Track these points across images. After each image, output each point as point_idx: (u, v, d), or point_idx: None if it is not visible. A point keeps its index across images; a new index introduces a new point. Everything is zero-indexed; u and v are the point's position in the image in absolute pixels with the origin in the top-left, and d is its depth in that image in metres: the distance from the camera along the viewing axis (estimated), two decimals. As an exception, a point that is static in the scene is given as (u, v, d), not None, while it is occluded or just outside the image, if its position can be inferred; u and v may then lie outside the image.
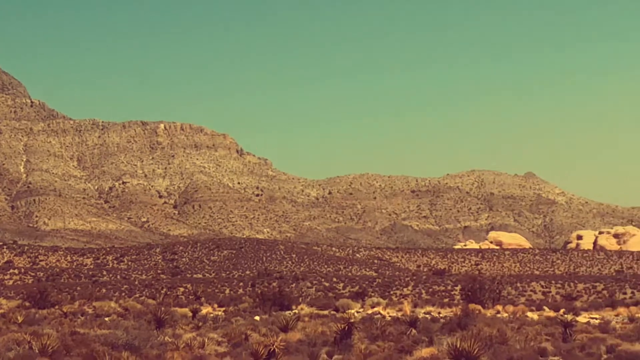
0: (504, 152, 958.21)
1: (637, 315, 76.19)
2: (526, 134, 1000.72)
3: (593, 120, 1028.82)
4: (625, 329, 58.07)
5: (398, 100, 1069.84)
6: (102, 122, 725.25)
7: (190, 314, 73.13)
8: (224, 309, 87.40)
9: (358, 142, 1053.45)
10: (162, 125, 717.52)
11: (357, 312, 76.31)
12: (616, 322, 68.27)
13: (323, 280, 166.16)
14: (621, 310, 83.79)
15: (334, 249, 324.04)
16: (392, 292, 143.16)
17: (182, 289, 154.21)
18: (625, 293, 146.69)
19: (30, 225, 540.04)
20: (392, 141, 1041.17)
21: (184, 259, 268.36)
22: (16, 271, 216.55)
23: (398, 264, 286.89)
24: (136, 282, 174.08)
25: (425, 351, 41.23)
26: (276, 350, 41.07)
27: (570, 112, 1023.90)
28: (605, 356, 41.67)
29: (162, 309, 67.33)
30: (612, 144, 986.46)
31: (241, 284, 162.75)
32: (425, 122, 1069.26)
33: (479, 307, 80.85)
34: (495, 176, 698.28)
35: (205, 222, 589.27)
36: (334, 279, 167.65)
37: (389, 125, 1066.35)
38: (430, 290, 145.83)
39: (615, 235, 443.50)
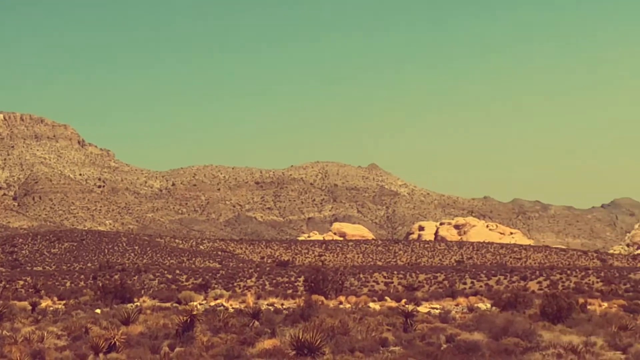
0: (348, 144, 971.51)
1: (476, 305, 78.19)
2: (370, 126, 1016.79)
3: (432, 112, 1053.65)
4: (465, 319, 59.32)
5: (240, 90, 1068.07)
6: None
7: (30, 308, 71.02)
8: (64, 302, 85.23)
9: (202, 134, 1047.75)
10: (1, 116, 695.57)
11: (200, 304, 75.52)
12: (456, 312, 69.74)
13: (166, 272, 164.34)
14: (461, 300, 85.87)
15: (177, 240, 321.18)
16: (235, 284, 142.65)
17: (21, 282, 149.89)
18: (465, 283, 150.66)
19: None
20: (236, 133, 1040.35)
21: (23, 252, 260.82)
22: None
23: (242, 256, 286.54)
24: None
25: (267, 343, 40.97)
26: (117, 343, 40.15)
27: (409, 104, 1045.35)
28: (444, 345, 42.30)
29: (0, 302, 65.10)
30: (452, 136, 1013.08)
31: (82, 276, 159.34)
32: (269, 113, 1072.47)
33: (322, 298, 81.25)
34: (339, 168, 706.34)
35: (46, 214, 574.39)
36: (177, 271, 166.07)
37: (232, 116, 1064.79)
38: (274, 281, 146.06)
39: (456, 226, 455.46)
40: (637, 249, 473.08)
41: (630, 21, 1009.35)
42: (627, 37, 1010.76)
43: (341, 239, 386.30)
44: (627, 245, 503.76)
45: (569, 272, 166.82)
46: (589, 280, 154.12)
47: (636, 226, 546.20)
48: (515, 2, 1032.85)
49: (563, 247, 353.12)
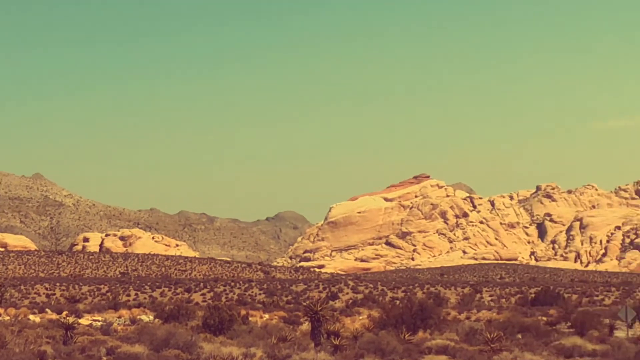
0: (11, 152, 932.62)
1: (138, 316, 77.67)
2: (34, 134, 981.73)
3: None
4: (127, 331, 58.74)
5: None
6: None
7: None
8: None
9: None
10: None
11: None
12: (118, 324, 68.97)
13: None
14: (124, 312, 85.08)
15: None
16: None
17: None
18: (129, 295, 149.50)
19: None
20: None
21: None
22: None
23: None
24: None
25: None
26: None
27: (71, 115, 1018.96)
28: (105, 358, 41.61)
29: None
30: (119, 149, 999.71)
31: None
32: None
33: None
34: (2, 177, 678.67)
35: None
36: None
37: None
38: None
39: (122, 238, 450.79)
40: (299, 261, 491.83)
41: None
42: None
43: (3, 249, 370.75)
44: (290, 258, 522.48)
45: (232, 284, 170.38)
46: (252, 292, 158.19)
47: (299, 239, 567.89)
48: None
49: (228, 259, 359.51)
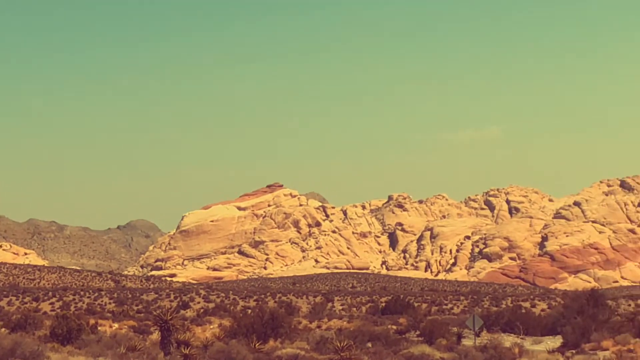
0: None
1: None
2: None
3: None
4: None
5: None
6: None
7: None
8: None
9: None
10: None
11: None
12: (-40, 334, 66.41)
13: None
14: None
15: None
16: None
17: None
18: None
19: None
20: None
21: None
22: None
23: None
24: None
25: None
26: None
27: None
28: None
29: None
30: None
31: None
32: None
33: None
34: None
35: None
36: None
37: None
38: None
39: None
40: (151, 270, 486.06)
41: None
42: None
43: None
44: (142, 267, 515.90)
45: (82, 293, 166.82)
46: (102, 301, 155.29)
47: (151, 247, 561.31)
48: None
49: (78, 268, 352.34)
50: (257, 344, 52.90)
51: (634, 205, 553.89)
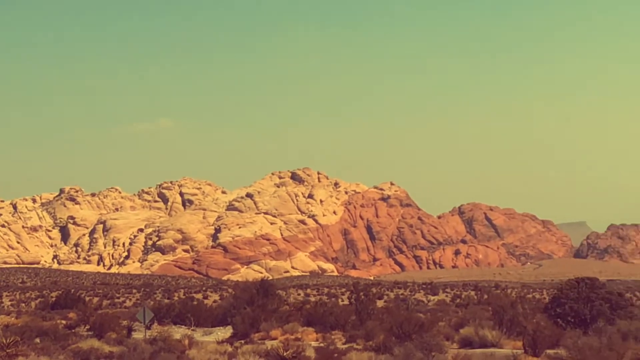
0: None
1: None
2: None
3: None
4: None
5: None
6: None
7: None
8: None
9: None
10: None
11: None
12: None
13: None
14: None
15: None
16: None
17: None
18: None
19: None
20: None
21: None
22: None
23: None
24: None
25: None
26: None
27: None
28: None
29: None
30: None
31: None
32: None
33: None
34: None
35: None
36: None
37: None
38: None
39: None
40: None
41: None
42: None
43: None
44: None
45: None
46: None
47: None
48: None
49: None
50: None
51: (304, 197, 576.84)
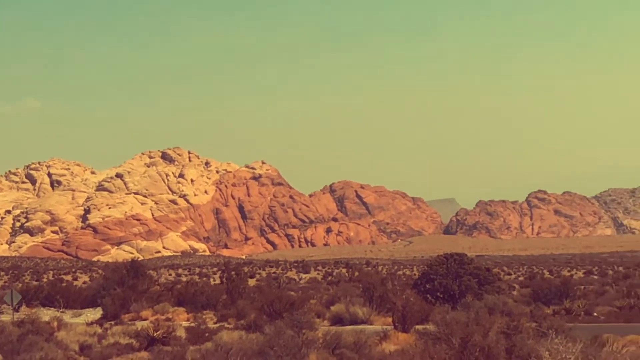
0: None
1: None
2: None
3: None
4: None
5: None
6: None
7: None
8: None
9: None
10: None
11: None
12: None
13: None
14: None
15: None
16: None
17: None
18: None
19: None
20: None
21: None
22: None
23: None
24: None
25: None
26: None
27: None
28: None
29: None
30: None
31: None
32: None
33: None
34: None
35: None
36: None
37: None
38: None
39: None
40: None
41: None
42: None
43: None
44: None
45: None
46: None
47: None
48: None
49: None
50: None
51: (175, 177, 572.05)
